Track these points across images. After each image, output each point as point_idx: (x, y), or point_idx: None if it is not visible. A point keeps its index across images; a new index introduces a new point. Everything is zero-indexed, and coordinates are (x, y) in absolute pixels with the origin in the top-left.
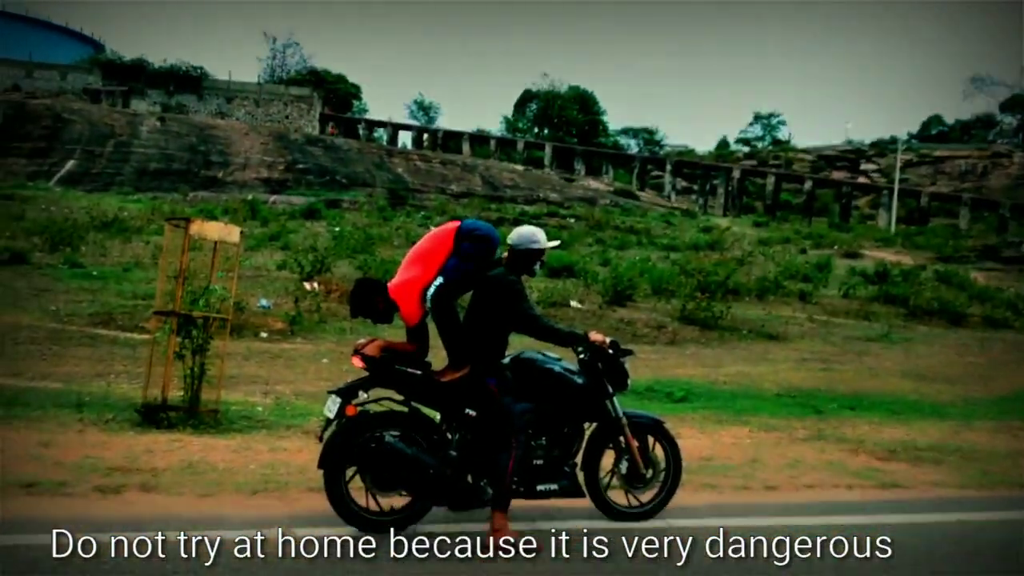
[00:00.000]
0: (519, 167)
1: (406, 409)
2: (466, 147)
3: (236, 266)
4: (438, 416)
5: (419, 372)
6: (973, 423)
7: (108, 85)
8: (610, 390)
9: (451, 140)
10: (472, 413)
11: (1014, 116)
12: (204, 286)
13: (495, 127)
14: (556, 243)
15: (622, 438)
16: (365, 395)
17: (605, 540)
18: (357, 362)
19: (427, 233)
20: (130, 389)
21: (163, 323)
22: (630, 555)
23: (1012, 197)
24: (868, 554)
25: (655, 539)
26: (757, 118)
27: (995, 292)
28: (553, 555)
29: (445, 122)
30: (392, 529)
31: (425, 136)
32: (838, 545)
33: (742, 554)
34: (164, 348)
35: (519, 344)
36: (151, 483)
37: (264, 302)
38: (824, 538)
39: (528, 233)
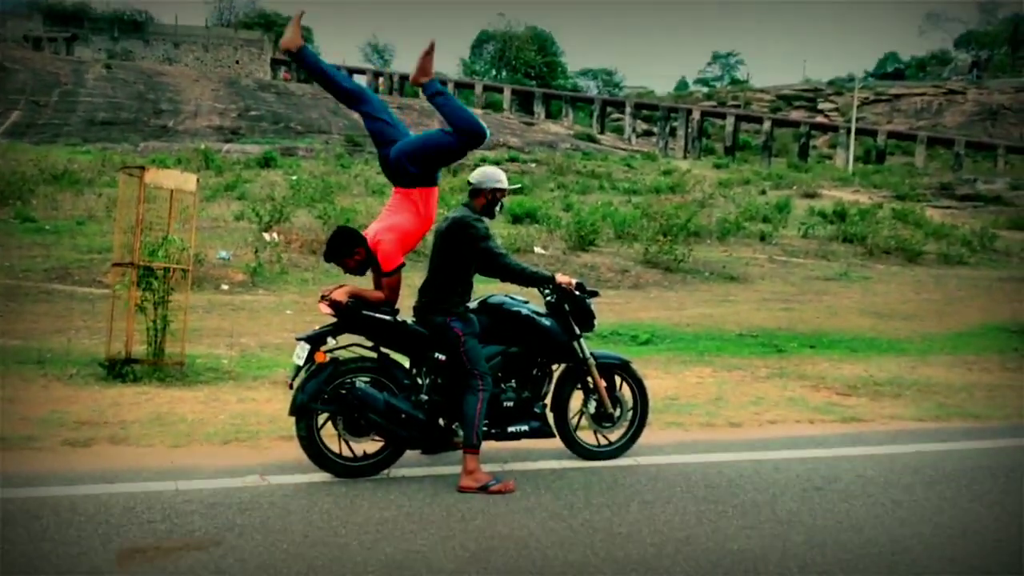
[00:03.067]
0: (478, 111)
1: (375, 355)
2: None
3: (194, 216)
4: (407, 362)
5: (388, 317)
6: (930, 358)
7: (50, 31)
8: (577, 331)
9: (407, 84)
10: (441, 357)
11: (968, 52)
12: (162, 237)
13: (452, 70)
14: (517, 186)
15: (590, 379)
16: (334, 341)
17: (576, 479)
18: (324, 308)
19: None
20: (91, 345)
21: (122, 275)
22: (600, 492)
23: (967, 134)
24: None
25: (624, 477)
26: (716, 58)
27: (950, 229)
28: (527, 494)
29: (401, 65)
30: (366, 474)
31: (380, 80)
32: (801, 477)
33: (710, 488)
34: (125, 301)
35: (486, 289)
36: (120, 436)
37: (223, 254)
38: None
39: (491, 172)
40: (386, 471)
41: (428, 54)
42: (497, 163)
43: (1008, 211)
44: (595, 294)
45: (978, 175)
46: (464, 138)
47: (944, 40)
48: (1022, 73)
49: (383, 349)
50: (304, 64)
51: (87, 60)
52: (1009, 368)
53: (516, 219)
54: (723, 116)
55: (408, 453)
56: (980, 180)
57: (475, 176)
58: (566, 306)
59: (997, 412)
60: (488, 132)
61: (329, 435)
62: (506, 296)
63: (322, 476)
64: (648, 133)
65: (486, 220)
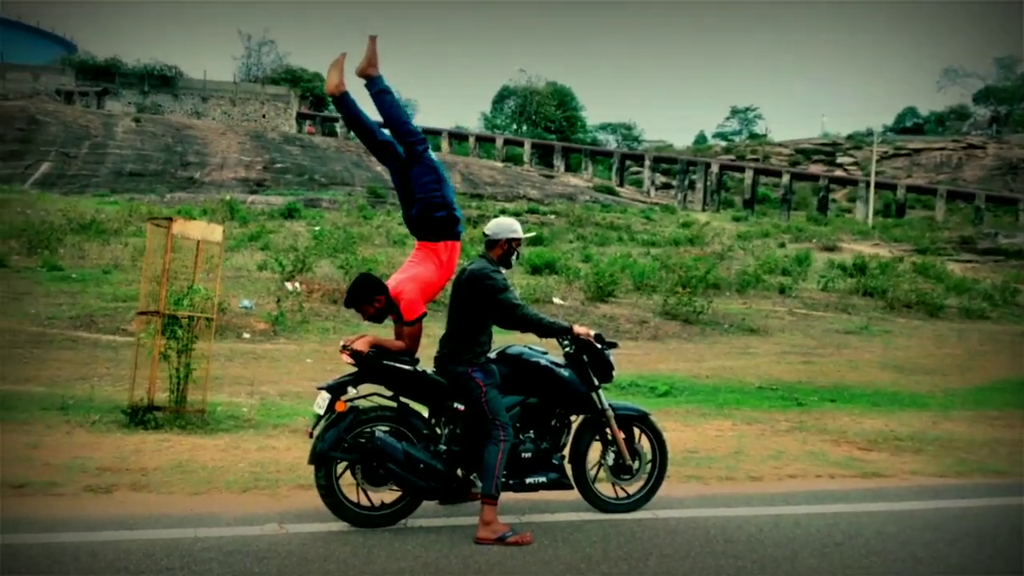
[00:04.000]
0: (499, 164)
1: (395, 404)
2: (444, 144)
3: (220, 265)
4: (427, 411)
5: (408, 367)
6: (951, 413)
7: (82, 86)
8: (596, 383)
9: (429, 137)
10: (460, 407)
11: (987, 107)
12: (187, 286)
13: (473, 124)
14: (532, 234)
15: (608, 430)
16: (354, 391)
17: (594, 531)
18: (345, 357)
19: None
20: (114, 392)
21: (147, 324)
22: (618, 546)
23: (987, 188)
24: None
25: (643, 530)
26: (734, 112)
27: (971, 283)
28: (544, 547)
29: (423, 120)
30: (384, 523)
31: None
32: (821, 533)
33: (729, 543)
34: (149, 349)
35: (505, 340)
36: (141, 482)
37: (246, 303)
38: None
39: (505, 223)
40: (403, 521)
41: (373, 45)
42: (517, 214)
43: None
44: (614, 345)
45: (999, 229)
46: (409, 139)
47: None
48: None
49: (403, 399)
50: (344, 110)
51: (117, 113)
52: None
53: (535, 270)
54: (742, 169)
55: (425, 503)
56: (1001, 234)
57: (490, 227)
58: (585, 357)
59: (1020, 468)
60: (423, 135)
61: (348, 484)
62: (525, 347)
63: (340, 525)
64: (667, 186)
65: (503, 271)
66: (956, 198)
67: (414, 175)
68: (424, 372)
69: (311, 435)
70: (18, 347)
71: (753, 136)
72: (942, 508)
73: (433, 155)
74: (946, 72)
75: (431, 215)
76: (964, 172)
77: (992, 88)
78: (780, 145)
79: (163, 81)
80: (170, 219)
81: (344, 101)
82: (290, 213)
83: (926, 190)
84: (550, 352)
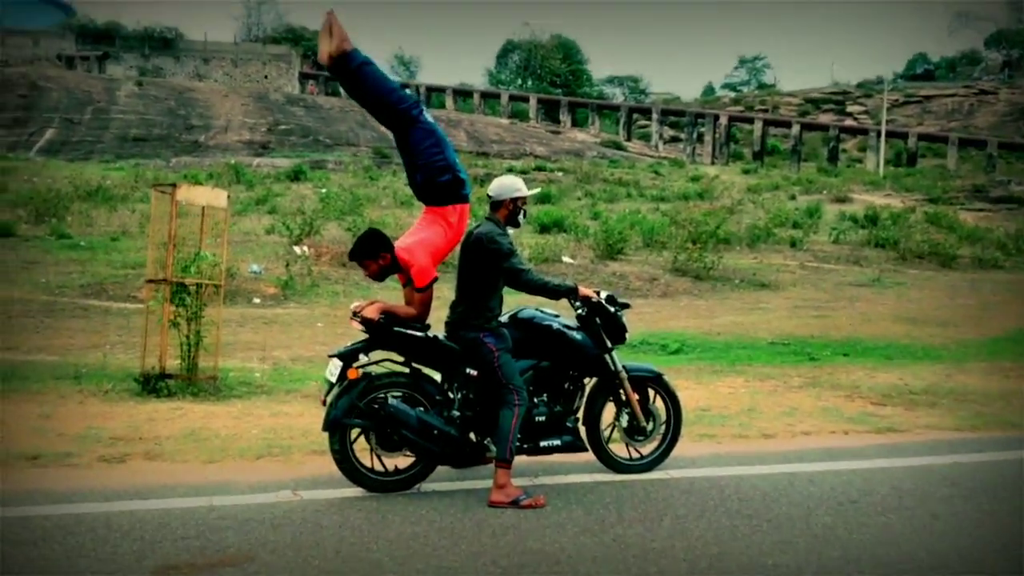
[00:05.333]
0: (504, 121)
1: (407, 370)
2: (449, 101)
3: (225, 231)
4: (439, 377)
5: (419, 333)
6: (966, 365)
7: (82, 50)
8: (609, 344)
9: (434, 95)
10: (473, 373)
11: (999, 51)
12: (194, 253)
13: (478, 80)
14: (537, 189)
15: (622, 392)
16: (366, 358)
17: (607, 493)
18: (356, 325)
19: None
20: (126, 359)
21: (156, 292)
22: (632, 507)
23: (999, 135)
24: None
25: (657, 491)
26: (742, 62)
27: (984, 232)
28: (557, 509)
29: (426, 77)
30: (398, 488)
31: (407, 92)
32: (836, 490)
33: (743, 502)
34: (159, 317)
35: (516, 302)
36: (155, 451)
37: (255, 267)
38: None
39: (508, 182)
40: (418, 485)
41: (335, 20)
42: (524, 172)
43: None
44: (626, 306)
45: (1012, 176)
46: (402, 106)
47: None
48: None
49: (415, 364)
50: (349, 74)
51: (119, 78)
52: None
53: (544, 229)
54: (751, 121)
55: (440, 467)
56: (1014, 181)
57: (493, 188)
58: (597, 319)
59: None
60: (415, 99)
61: (362, 449)
62: (537, 310)
63: (354, 491)
64: (675, 139)
65: (511, 232)
66: (968, 145)
67: (414, 140)
68: (436, 338)
69: (324, 403)
70: (30, 316)
71: (762, 86)
72: (958, 463)
73: (429, 117)
74: (957, 16)
75: (435, 180)
76: (976, 119)
77: (1004, 32)
78: (789, 95)
79: (164, 44)
80: (174, 185)
81: (349, 62)
82: (296, 175)
83: (938, 138)
84: (562, 315)
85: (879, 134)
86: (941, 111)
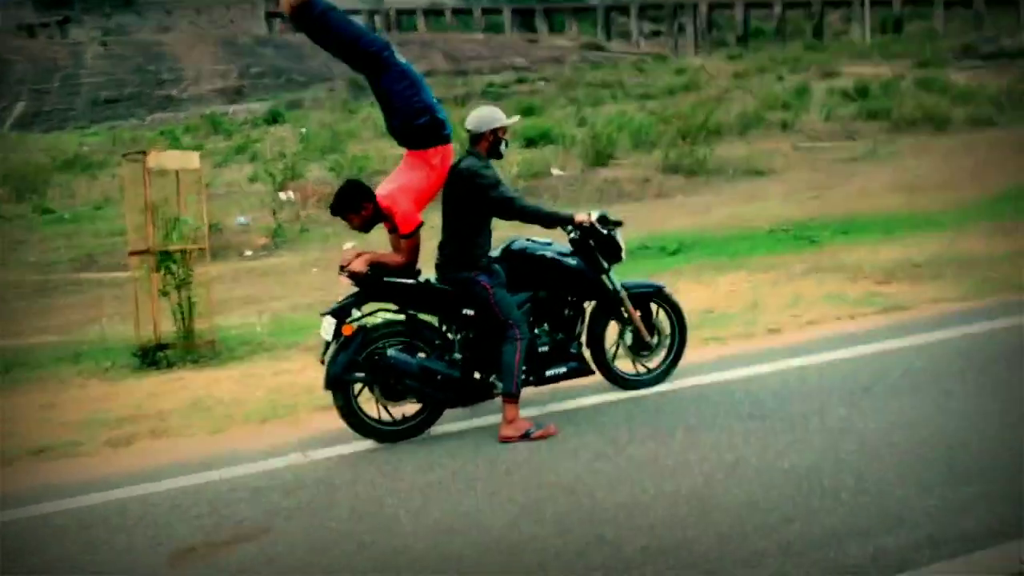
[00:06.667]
0: (479, 36)
1: (403, 318)
2: (421, 23)
3: (202, 192)
4: (436, 320)
5: (411, 280)
6: (967, 229)
7: (43, 17)
8: (605, 265)
9: (404, 17)
10: (470, 313)
11: None
12: (173, 219)
13: None
14: (516, 118)
15: (624, 311)
16: (358, 312)
17: (618, 413)
18: (344, 280)
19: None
20: (126, 330)
21: (141, 263)
22: (644, 423)
23: None
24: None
25: (667, 404)
26: None
27: (977, 91)
28: (569, 436)
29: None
30: (408, 436)
31: (376, 17)
32: (848, 380)
33: (755, 404)
34: (148, 287)
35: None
36: (160, 428)
37: (242, 219)
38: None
39: (486, 114)
40: (428, 431)
41: None
42: (505, 86)
43: None
44: (619, 224)
45: (1001, 32)
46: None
47: None
48: None
49: (410, 312)
50: (313, 23)
51: (83, 41)
52: None
53: (530, 142)
54: (732, 5)
55: (448, 409)
56: (1003, 36)
57: (471, 121)
58: (591, 241)
59: None
60: (384, 41)
61: (366, 400)
62: (528, 240)
63: (363, 444)
64: (656, 34)
65: (493, 164)
66: (955, 5)
67: (387, 84)
68: (428, 282)
69: (323, 362)
70: (24, 299)
71: None
72: (968, 334)
73: (401, 58)
74: None
75: (413, 123)
76: None
77: None
78: None
79: (123, 1)
80: (144, 153)
81: (312, 9)
82: (274, 118)
83: (923, 0)
84: (554, 242)
85: (863, 3)
86: None
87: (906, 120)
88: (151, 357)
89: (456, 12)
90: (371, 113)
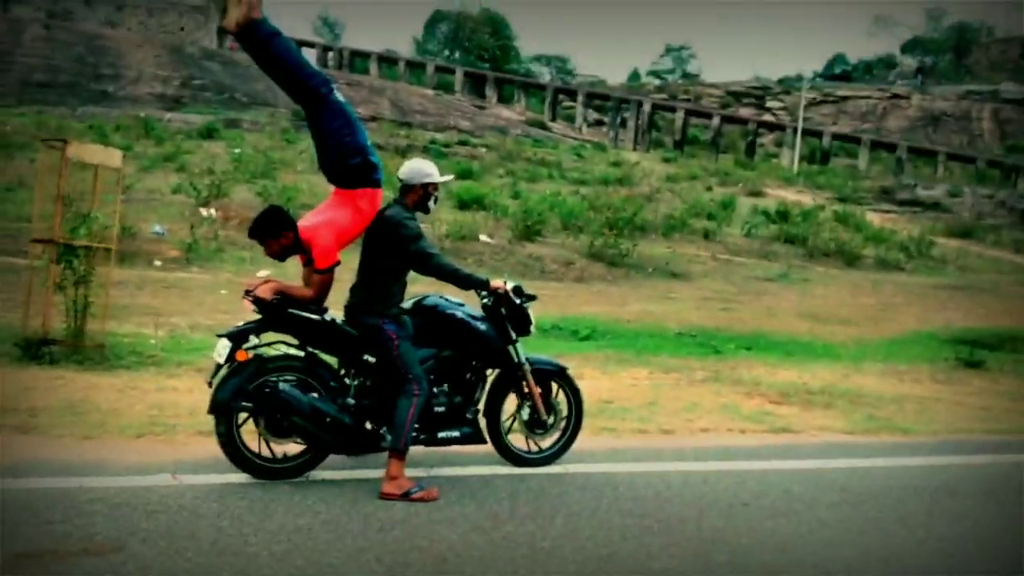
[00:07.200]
0: (429, 91)
1: (302, 354)
2: (374, 68)
3: (119, 191)
4: (335, 362)
5: (316, 316)
6: (863, 365)
7: None
8: (513, 336)
9: (357, 59)
10: (371, 360)
11: (914, 58)
12: (84, 214)
13: (404, 48)
14: (450, 176)
15: (525, 384)
16: (257, 339)
17: (503, 487)
18: (248, 305)
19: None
20: (13, 319)
21: (42, 252)
22: (526, 502)
23: (909, 139)
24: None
25: (552, 486)
26: (668, 51)
27: (889, 234)
28: (450, 503)
29: (351, 40)
30: (287, 476)
31: (330, 55)
32: (729, 492)
33: (637, 501)
34: (45, 278)
35: (421, 289)
36: (29, 424)
37: (158, 228)
38: (716, 485)
39: (419, 167)
40: (306, 474)
41: None
42: (447, 146)
43: (946, 217)
44: (532, 298)
45: (919, 180)
46: (311, 83)
47: (891, 44)
48: (965, 80)
49: (310, 348)
50: (258, 45)
51: (25, 19)
52: (939, 380)
53: (463, 205)
54: (673, 110)
55: (331, 455)
56: (920, 185)
57: (404, 171)
58: (503, 310)
59: (926, 427)
60: (324, 77)
61: (249, 432)
62: (441, 297)
63: (238, 477)
64: (599, 123)
65: (418, 217)
66: (879, 147)
67: (323, 120)
68: (333, 322)
69: (210, 384)
70: None
71: (686, 76)
72: (849, 467)
73: (340, 96)
74: (877, 20)
75: (345, 162)
76: (888, 122)
77: (920, 39)
78: (712, 86)
79: None
80: (64, 141)
81: (257, 32)
82: (209, 133)
83: (851, 138)
84: (467, 304)
85: (795, 131)
86: (856, 112)
87: (820, 250)
88: (35, 351)
89: (410, 64)
90: (309, 146)
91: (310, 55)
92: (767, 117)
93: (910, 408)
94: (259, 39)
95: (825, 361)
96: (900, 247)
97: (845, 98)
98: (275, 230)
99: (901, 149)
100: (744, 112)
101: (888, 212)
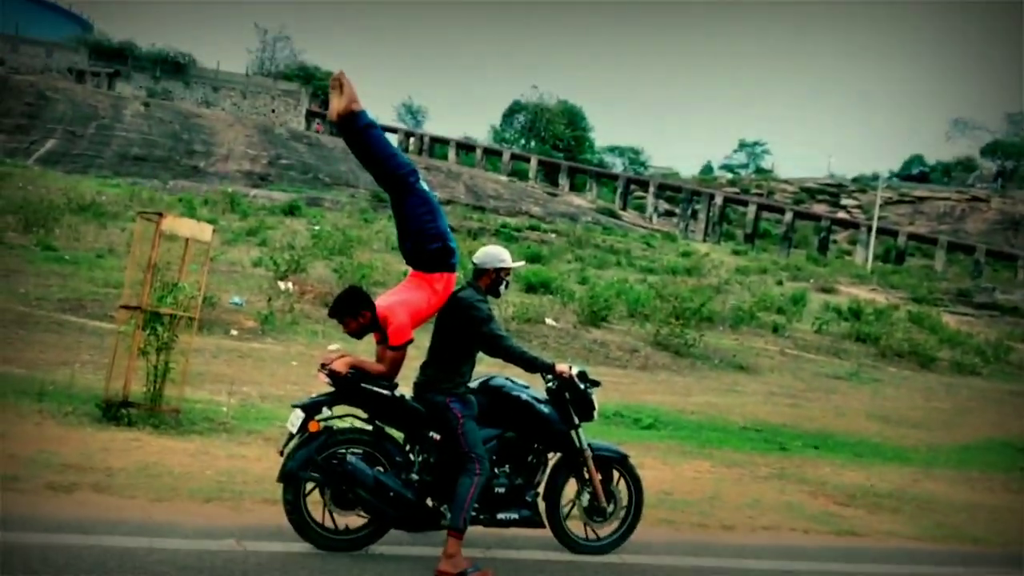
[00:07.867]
0: (503, 178)
1: (370, 428)
2: (452, 153)
3: (206, 265)
4: (402, 437)
5: (386, 392)
6: (934, 471)
7: (94, 66)
8: (576, 421)
9: (437, 145)
10: (436, 437)
11: (994, 161)
12: (172, 283)
13: (482, 136)
14: (522, 263)
15: (586, 470)
16: (329, 411)
17: (558, 573)
18: (322, 377)
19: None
20: (95, 380)
21: (129, 318)
22: None
23: (988, 242)
24: None
25: (608, 575)
26: (742, 145)
27: (965, 337)
28: None
29: (432, 127)
30: (348, 548)
31: (411, 140)
32: None
33: None
34: (129, 343)
35: (488, 370)
36: (104, 483)
37: (236, 299)
38: None
39: (494, 252)
40: (367, 547)
41: (346, 80)
42: (518, 230)
43: None
44: (596, 384)
45: (997, 284)
46: (400, 172)
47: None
48: None
49: (378, 423)
50: (356, 134)
51: (127, 96)
52: (1012, 489)
53: (531, 288)
54: (745, 203)
55: (392, 529)
56: (999, 290)
57: (479, 256)
58: (567, 394)
59: (997, 537)
60: (413, 166)
61: (315, 503)
62: (507, 379)
63: (300, 546)
64: (670, 214)
65: (490, 300)
66: (956, 250)
67: (408, 206)
68: (402, 398)
69: (282, 453)
70: (2, 326)
71: (759, 171)
72: (914, 574)
73: (425, 184)
74: (955, 123)
75: (425, 247)
76: (966, 224)
77: (1000, 142)
78: (785, 182)
79: (175, 68)
80: (160, 214)
81: (356, 122)
82: (291, 210)
83: (927, 239)
84: (532, 387)
85: (870, 229)
86: (933, 213)
87: (893, 350)
88: (114, 412)
89: (487, 151)
90: (386, 226)
91: (392, 139)
92: (841, 214)
93: (981, 517)
94: (356, 129)
95: (894, 464)
96: (976, 351)
97: (922, 199)
98: (354, 309)
99: (979, 252)
100: (818, 208)
101: (965, 315)
